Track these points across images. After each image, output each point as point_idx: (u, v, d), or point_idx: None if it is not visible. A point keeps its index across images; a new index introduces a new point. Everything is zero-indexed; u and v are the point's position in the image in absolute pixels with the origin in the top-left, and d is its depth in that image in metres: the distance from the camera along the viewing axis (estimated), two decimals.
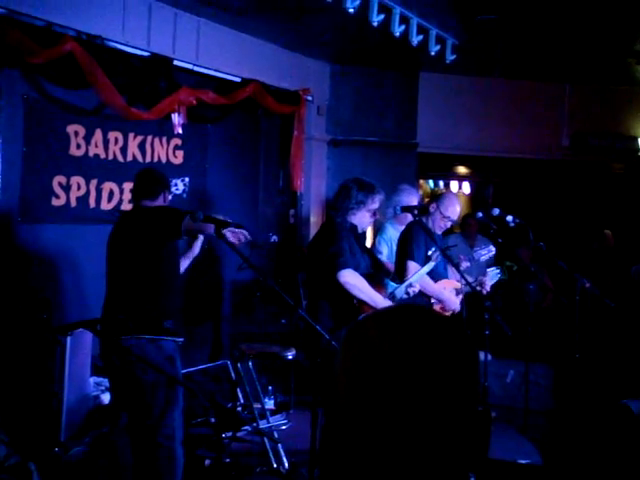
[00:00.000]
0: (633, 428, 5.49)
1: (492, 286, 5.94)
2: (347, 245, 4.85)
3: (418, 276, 5.23)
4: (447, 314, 5.64)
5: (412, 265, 5.44)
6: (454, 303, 5.66)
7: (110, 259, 4.41)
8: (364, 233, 5.29)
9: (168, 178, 4.73)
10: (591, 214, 9.47)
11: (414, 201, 6.65)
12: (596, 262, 8.45)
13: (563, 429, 6.27)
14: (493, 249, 6.25)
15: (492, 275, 5.91)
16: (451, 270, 5.81)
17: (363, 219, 5.04)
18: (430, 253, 5.32)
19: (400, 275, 5.41)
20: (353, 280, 4.77)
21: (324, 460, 1.04)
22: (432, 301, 5.63)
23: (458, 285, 5.77)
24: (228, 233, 4.14)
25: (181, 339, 4.39)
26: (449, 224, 5.84)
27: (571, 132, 9.51)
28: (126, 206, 6.09)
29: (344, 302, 4.79)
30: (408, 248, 5.55)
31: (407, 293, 5.08)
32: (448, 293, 5.67)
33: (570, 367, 5.77)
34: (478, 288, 5.75)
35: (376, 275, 5.10)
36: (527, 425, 6.46)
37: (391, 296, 4.97)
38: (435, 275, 5.61)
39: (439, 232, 5.81)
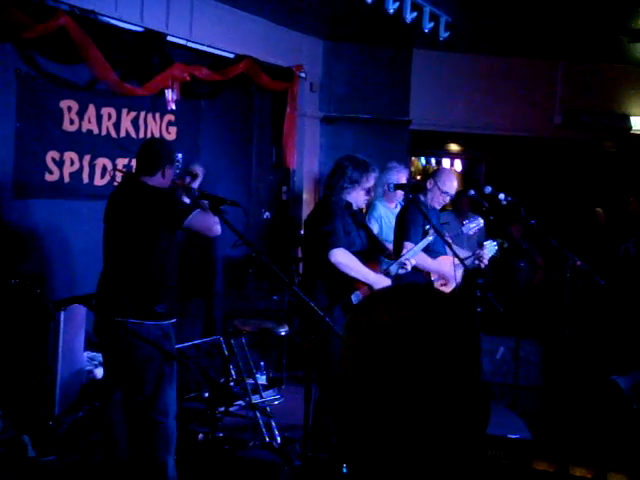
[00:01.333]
0: (621, 404, 5.56)
1: (490, 259, 5.91)
2: (340, 224, 4.85)
3: (413, 252, 5.25)
4: (448, 290, 5.66)
5: (409, 245, 5.45)
6: (452, 277, 5.64)
7: (107, 234, 4.38)
8: (360, 210, 5.29)
9: (171, 150, 4.54)
10: (583, 192, 9.50)
11: (403, 178, 6.65)
12: (587, 240, 8.50)
13: (552, 405, 6.35)
14: (481, 221, 6.22)
15: (490, 248, 5.84)
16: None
17: (358, 197, 5.02)
18: (427, 227, 5.29)
19: (398, 255, 5.42)
20: (344, 259, 4.78)
21: (340, 446, 1.07)
22: (433, 278, 5.64)
23: (456, 261, 5.78)
24: None
25: (174, 320, 4.38)
26: (447, 199, 5.82)
27: (563, 110, 9.51)
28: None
29: (338, 280, 4.82)
30: (405, 228, 5.55)
31: (404, 268, 5.10)
32: (448, 267, 5.67)
33: (559, 344, 5.82)
34: (476, 262, 5.76)
35: (371, 252, 5.11)
36: (517, 401, 6.54)
37: (386, 272, 4.99)
38: (434, 252, 5.63)
39: (438, 207, 5.80)
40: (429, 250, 5.48)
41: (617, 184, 9.54)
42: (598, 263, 7.92)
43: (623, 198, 9.08)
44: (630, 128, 9.57)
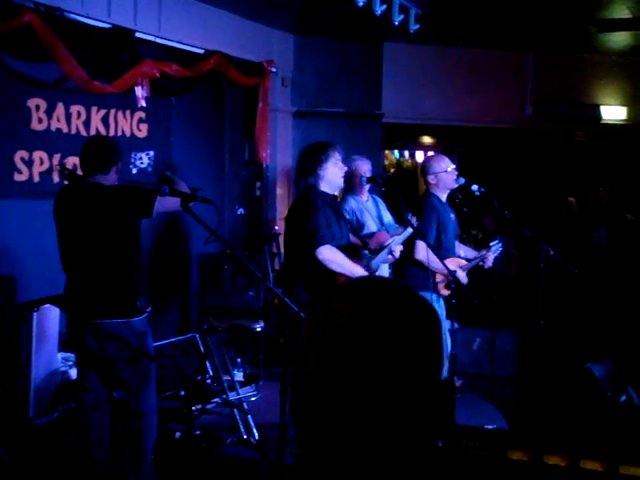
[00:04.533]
0: (596, 392, 5.60)
1: (494, 259, 5.98)
2: (323, 217, 4.75)
3: (394, 243, 5.17)
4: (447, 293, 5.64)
5: (419, 244, 5.46)
6: (461, 278, 5.65)
7: (66, 236, 4.34)
8: (335, 197, 5.22)
9: (119, 145, 4.58)
10: (554, 182, 9.57)
11: (367, 169, 6.48)
12: (560, 229, 8.55)
13: (528, 394, 6.38)
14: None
15: (494, 249, 5.95)
16: (458, 246, 5.92)
17: (334, 175, 4.94)
18: (409, 217, 5.20)
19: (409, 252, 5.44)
20: (331, 256, 4.70)
21: (297, 430, 1.06)
22: (438, 280, 5.63)
23: (462, 262, 5.79)
24: None
25: (149, 309, 4.38)
26: (455, 174, 5.82)
27: (534, 101, 9.57)
28: None
29: (318, 276, 4.75)
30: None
31: (392, 255, 5.08)
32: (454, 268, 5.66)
33: (535, 333, 5.86)
34: (480, 263, 5.81)
35: (353, 246, 5.09)
36: (493, 391, 6.57)
37: (367, 267, 4.96)
38: (443, 251, 5.60)
39: (455, 186, 5.83)
40: (437, 249, 5.45)
41: (588, 174, 9.62)
42: (571, 252, 7.98)
43: (594, 187, 9.15)
44: (600, 118, 9.65)
